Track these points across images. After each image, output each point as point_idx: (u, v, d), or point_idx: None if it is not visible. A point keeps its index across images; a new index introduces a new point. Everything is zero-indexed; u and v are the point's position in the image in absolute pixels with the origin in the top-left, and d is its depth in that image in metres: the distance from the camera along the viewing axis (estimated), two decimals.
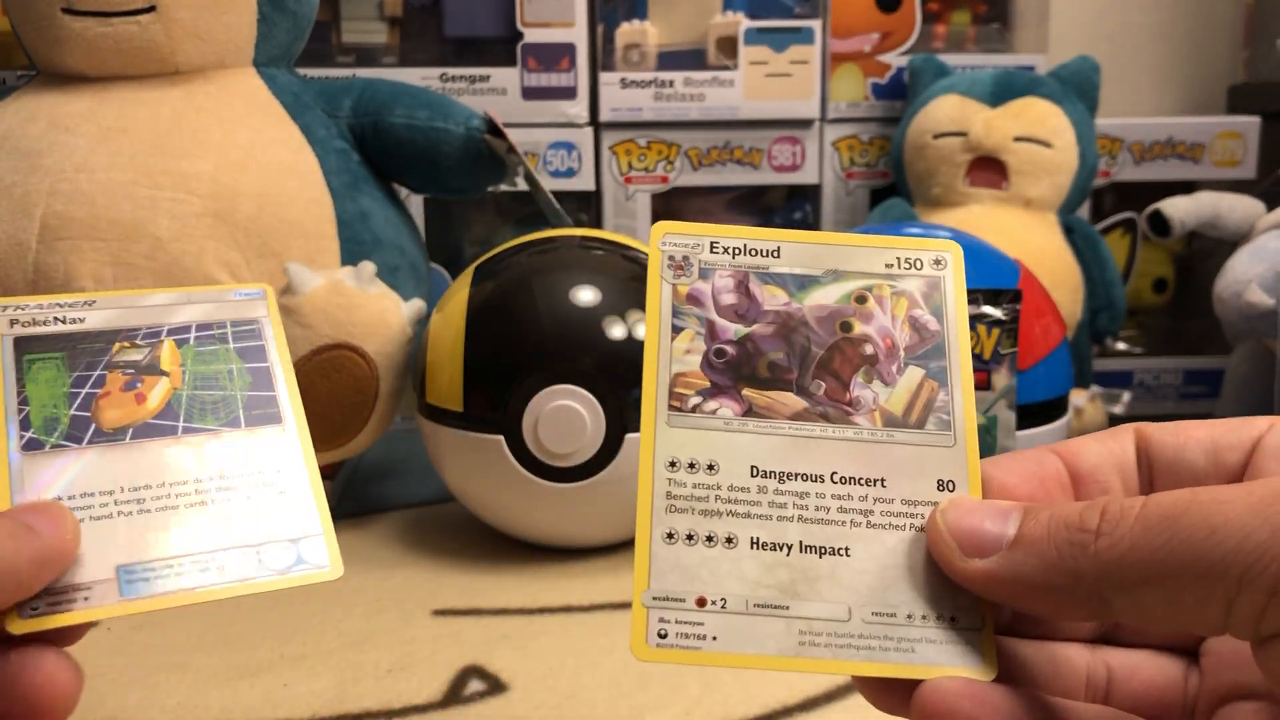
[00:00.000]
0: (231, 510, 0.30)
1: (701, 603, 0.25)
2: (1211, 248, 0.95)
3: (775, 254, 0.28)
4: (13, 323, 0.31)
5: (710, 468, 0.26)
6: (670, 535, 0.25)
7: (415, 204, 0.89)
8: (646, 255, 0.31)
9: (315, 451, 0.32)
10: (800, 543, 0.26)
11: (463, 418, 0.58)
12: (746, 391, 0.27)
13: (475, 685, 0.46)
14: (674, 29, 0.93)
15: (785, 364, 0.27)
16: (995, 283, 0.64)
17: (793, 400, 0.27)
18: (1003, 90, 0.87)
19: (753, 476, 0.26)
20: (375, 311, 0.60)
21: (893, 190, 0.94)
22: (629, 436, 0.56)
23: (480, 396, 0.57)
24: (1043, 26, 0.98)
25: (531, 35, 0.88)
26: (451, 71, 0.88)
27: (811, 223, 0.96)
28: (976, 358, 0.56)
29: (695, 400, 0.27)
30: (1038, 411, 0.64)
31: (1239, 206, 0.85)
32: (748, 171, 0.93)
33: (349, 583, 0.56)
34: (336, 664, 0.48)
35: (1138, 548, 0.21)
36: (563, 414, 0.55)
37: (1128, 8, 1.12)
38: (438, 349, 0.59)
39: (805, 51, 0.91)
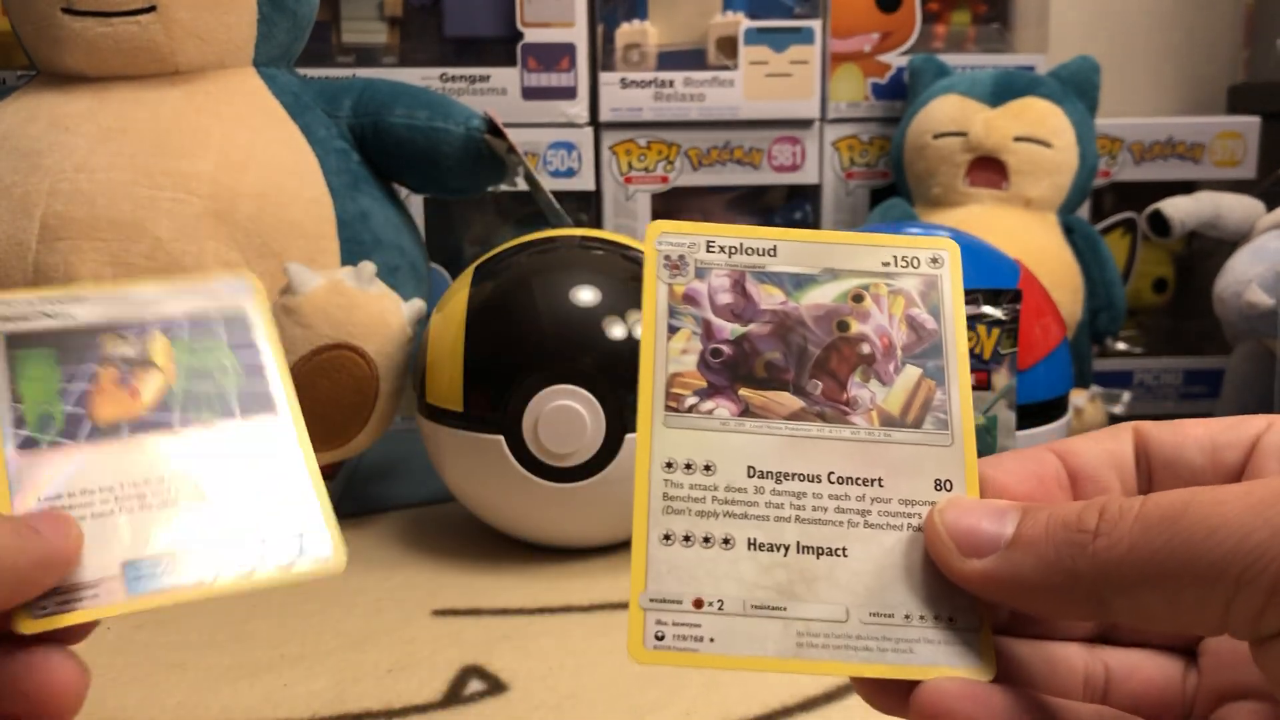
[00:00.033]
0: (231, 502, 0.30)
1: (699, 604, 0.25)
2: (1211, 248, 0.95)
3: (772, 253, 0.28)
4: (1, 319, 0.31)
5: (707, 468, 0.26)
6: (667, 536, 0.25)
7: (415, 204, 0.89)
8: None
9: (315, 452, 0.32)
10: (798, 543, 0.25)
11: (463, 418, 0.58)
12: (743, 391, 0.27)
13: (475, 685, 0.46)
14: (674, 29, 0.93)
15: (782, 364, 0.27)
16: (995, 283, 0.63)
17: (790, 400, 0.27)
18: (1003, 90, 0.87)
19: (750, 477, 0.26)
20: (375, 311, 0.60)
21: (893, 190, 0.94)
22: (629, 437, 0.56)
23: (480, 396, 0.57)
24: (1043, 26, 0.98)
25: (531, 35, 0.88)
26: (451, 71, 0.88)
27: (811, 223, 0.96)
28: (976, 358, 0.56)
29: (692, 400, 0.27)
30: (1038, 411, 0.64)
31: (1239, 206, 0.85)
32: (748, 171, 0.93)
33: (349, 583, 0.56)
34: (336, 664, 0.48)
35: (1136, 548, 0.21)
36: (563, 414, 0.55)
37: (1128, 8, 1.12)
38: (438, 349, 0.59)
39: (805, 51, 0.91)
